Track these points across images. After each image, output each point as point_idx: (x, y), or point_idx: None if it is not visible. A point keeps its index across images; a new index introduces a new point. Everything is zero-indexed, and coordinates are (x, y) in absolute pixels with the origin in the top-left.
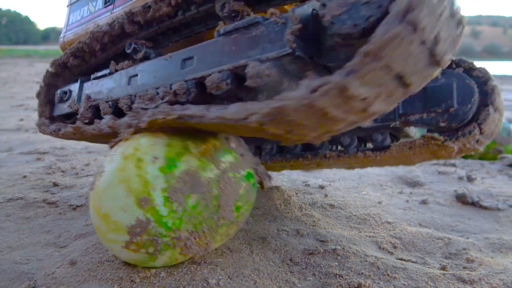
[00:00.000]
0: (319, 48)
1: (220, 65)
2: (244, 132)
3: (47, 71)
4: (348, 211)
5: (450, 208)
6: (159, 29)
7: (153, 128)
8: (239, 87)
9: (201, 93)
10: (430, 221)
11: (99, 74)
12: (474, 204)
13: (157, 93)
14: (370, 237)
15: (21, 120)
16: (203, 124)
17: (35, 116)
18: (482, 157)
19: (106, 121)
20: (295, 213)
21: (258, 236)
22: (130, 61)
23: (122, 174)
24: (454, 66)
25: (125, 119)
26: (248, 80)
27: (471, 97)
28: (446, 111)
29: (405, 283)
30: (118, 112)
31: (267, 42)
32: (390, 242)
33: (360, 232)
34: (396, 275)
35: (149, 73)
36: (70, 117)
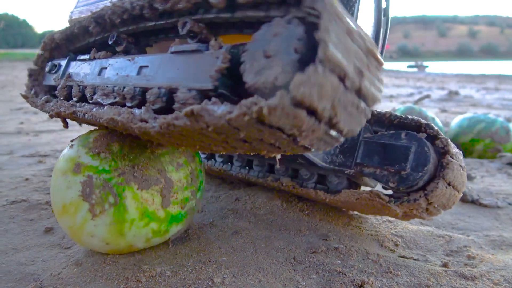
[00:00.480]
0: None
1: (162, 81)
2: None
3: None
4: (350, 211)
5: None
6: (137, 29)
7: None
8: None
9: (143, 102)
10: (432, 219)
11: (82, 57)
12: (474, 202)
13: (113, 91)
14: (371, 235)
15: (21, 123)
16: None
17: (35, 119)
18: (481, 156)
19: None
20: (296, 213)
21: (262, 236)
22: (107, 52)
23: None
24: (423, 128)
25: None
26: (175, 104)
27: (424, 166)
28: (398, 172)
29: (408, 280)
30: (84, 98)
31: (202, 72)
32: (392, 240)
33: (362, 231)
34: (399, 272)
35: (115, 70)
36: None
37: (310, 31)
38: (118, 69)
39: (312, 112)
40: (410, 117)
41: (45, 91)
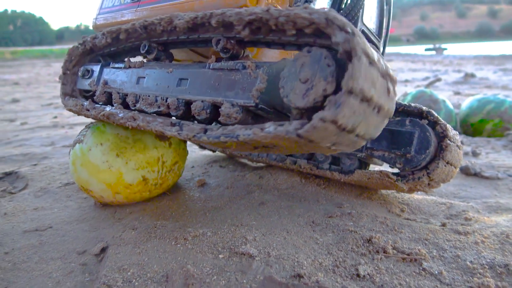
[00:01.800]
0: (281, 101)
1: (205, 95)
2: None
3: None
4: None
5: (455, 179)
6: (168, 41)
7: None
8: (217, 115)
9: (187, 112)
10: (435, 190)
11: (116, 65)
12: (476, 174)
13: (156, 100)
14: (380, 203)
15: (55, 117)
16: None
17: (67, 113)
18: (490, 135)
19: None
20: (314, 187)
21: (284, 205)
22: (142, 61)
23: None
24: (424, 115)
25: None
26: (221, 117)
27: (427, 149)
28: (404, 155)
29: (409, 235)
30: (125, 105)
31: (241, 89)
32: (398, 207)
33: (372, 200)
34: (402, 230)
35: (154, 80)
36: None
37: (340, 62)
38: (157, 80)
39: (343, 128)
40: (413, 104)
41: (81, 95)
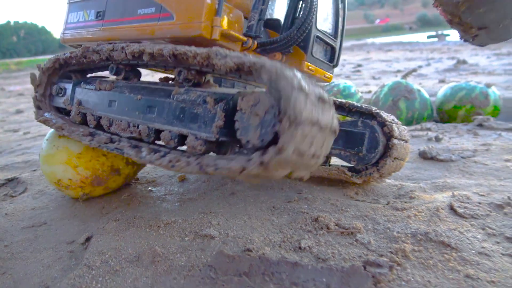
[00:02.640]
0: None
1: (171, 125)
2: None
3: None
4: None
5: (413, 163)
6: (135, 64)
7: None
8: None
9: (157, 139)
10: (393, 174)
11: (87, 86)
12: (432, 158)
13: (129, 126)
14: (338, 189)
15: None
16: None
17: None
18: (464, 120)
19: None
20: (282, 178)
21: (252, 194)
22: (112, 83)
23: None
24: (374, 115)
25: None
26: (186, 148)
27: (376, 148)
28: (357, 154)
29: (353, 213)
30: (100, 126)
31: (203, 123)
32: (354, 191)
33: (331, 186)
34: (348, 209)
35: (124, 104)
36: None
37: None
38: (127, 105)
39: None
40: (364, 106)
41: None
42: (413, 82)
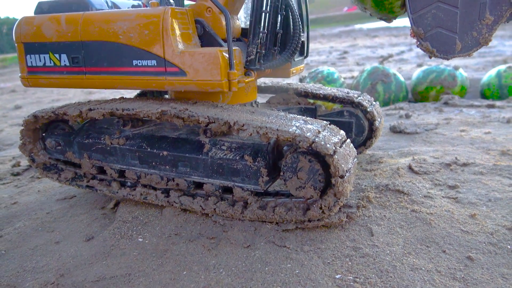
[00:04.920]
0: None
1: (211, 178)
2: None
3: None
4: None
5: (384, 136)
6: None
7: None
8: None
9: (198, 189)
10: None
11: (93, 140)
12: (401, 132)
13: (162, 179)
14: None
15: None
16: None
17: None
18: (435, 100)
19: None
20: None
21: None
22: (124, 139)
23: None
24: (357, 105)
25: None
26: (234, 197)
27: (362, 132)
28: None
29: None
30: (123, 176)
31: (246, 177)
32: None
33: None
34: None
35: (150, 157)
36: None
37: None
38: (152, 159)
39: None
40: (351, 93)
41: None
42: (393, 67)
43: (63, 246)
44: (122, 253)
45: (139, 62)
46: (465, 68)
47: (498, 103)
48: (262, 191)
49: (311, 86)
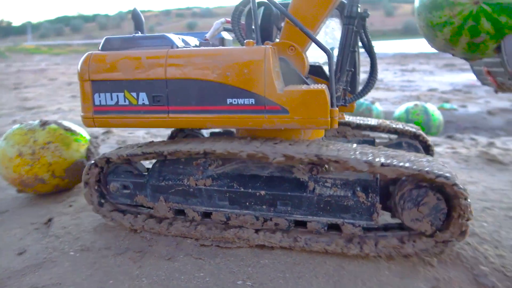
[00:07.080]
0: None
1: (315, 215)
2: None
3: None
4: None
5: None
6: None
7: None
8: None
9: (298, 226)
10: None
11: (172, 182)
12: None
13: (257, 219)
14: None
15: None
16: None
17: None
18: None
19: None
20: None
21: None
22: (210, 179)
23: None
24: (417, 137)
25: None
26: (343, 234)
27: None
28: None
29: None
30: (207, 216)
31: (357, 213)
32: None
33: None
34: None
35: (241, 198)
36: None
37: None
38: (245, 200)
39: None
40: (406, 127)
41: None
42: None
43: None
44: (54, 265)
45: (234, 101)
46: (385, 101)
47: None
48: (376, 226)
49: (361, 119)
